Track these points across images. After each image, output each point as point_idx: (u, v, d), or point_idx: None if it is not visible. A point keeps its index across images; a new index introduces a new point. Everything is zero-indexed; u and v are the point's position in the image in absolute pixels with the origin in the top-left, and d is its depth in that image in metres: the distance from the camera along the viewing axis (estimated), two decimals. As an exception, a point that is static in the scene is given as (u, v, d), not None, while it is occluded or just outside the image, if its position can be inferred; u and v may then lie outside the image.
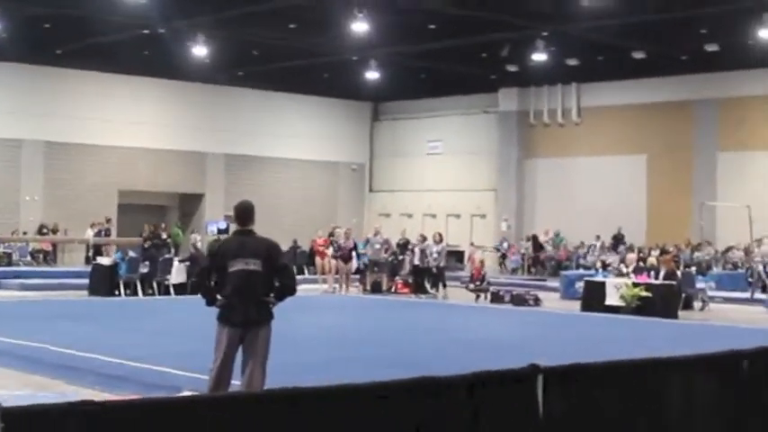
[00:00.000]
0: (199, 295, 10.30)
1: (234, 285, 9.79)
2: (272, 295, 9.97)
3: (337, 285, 31.05)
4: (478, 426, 6.60)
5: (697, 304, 27.97)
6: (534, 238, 43.07)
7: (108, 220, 40.46)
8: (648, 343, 16.79)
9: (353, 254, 31.20)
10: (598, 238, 40.93)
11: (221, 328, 9.88)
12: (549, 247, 42.72)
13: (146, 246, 33.04)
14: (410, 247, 32.97)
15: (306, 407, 5.87)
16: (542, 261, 42.30)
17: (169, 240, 40.74)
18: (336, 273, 31.32)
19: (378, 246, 31.81)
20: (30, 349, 15.37)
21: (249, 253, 9.83)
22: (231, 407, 5.60)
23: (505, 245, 43.99)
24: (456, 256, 41.58)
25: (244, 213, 10.19)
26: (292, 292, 10.23)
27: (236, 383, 9.90)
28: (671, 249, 35.87)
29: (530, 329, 21.34)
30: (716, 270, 35.04)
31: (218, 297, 9.92)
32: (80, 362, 14.23)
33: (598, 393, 7.30)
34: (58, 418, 4.90)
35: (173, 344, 16.30)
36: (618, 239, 40.48)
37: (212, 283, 10.10)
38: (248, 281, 9.79)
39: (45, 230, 40.13)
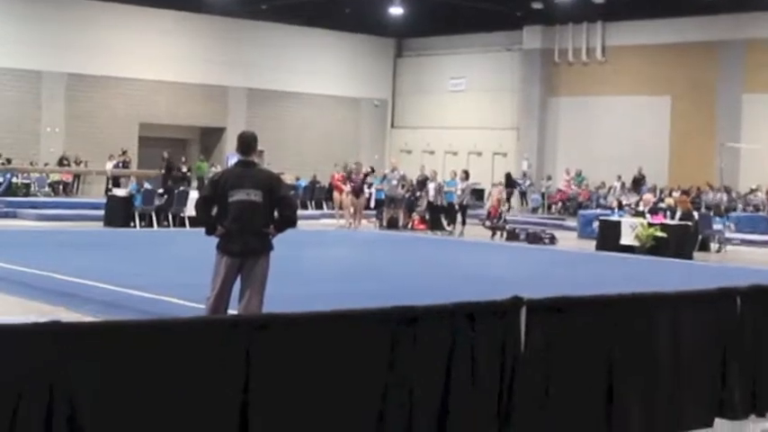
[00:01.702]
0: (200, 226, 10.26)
1: (234, 215, 9.74)
2: (272, 226, 9.91)
3: (353, 220, 31.00)
4: (456, 357, 6.53)
5: (714, 246, 27.81)
6: (508, 176, 42.75)
7: (124, 152, 40.48)
8: (656, 282, 16.63)
9: (365, 188, 31.13)
10: (619, 178, 40.69)
11: (220, 258, 9.86)
12: (573, 187, 42.45)
13: (168, 182, 32.98)
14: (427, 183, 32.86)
15: (278, 333, 5.82)
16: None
17: (189, 173, 40.78)
18: (353, 207, 31.29)
19: (394, 182, 31.71)
20: (36, 277, 15.47)
21: (250, 183, 9.77)
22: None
23: (527, 182, 43.82)
24: (477, 193, 41.42)
25: (246, 144, 10.12)
26: (293, 223, 10.16)
27: (233, 313, 9.85)
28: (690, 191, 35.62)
29: (539, 267, 21.22)
30: (737, 213, 34.77)
31: (219, 227, 9.86)
32: (83, 290, 14.32)
33: (582, 327, 7.21)
34: (24, 336, 4.95)
35: (178, 275, 16.29)
36: (639, 180, 40.20)
37: (213, 212, 10.03)
38: (248, 211, 9.74)
39: (65, 162, 40.22)
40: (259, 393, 5.65)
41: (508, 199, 41.10)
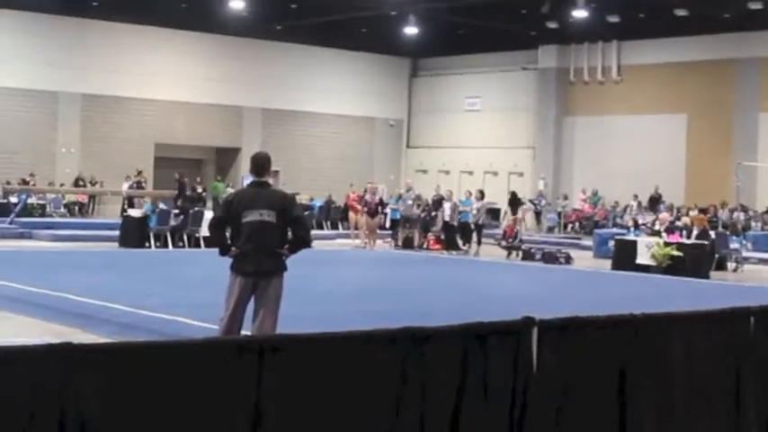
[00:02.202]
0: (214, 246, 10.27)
1: (247, 236, 9.75)
2: (285, 247, 9.91)
3: (368, 241, 31.01)
4: (468, 378, 6.51)
5: (731, 265, 27.70)
6: (513, 195, 42.28)
7: (139, 173, 40.61)
8: (672, 301, 16.54)
9: (380, 209, 31.18)
10: (635, 197, 40.61)
11: (234, 278, 9.87)
12: (589, 207, 42.34)
13: (178, 201, 33.05)
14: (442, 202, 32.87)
15: (288, 354, 5.81)
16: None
17: (204, 194, 40.87)
18: (367, 228, 31.32)
19: (410, 201, 31.75)
20: (52, 298, 15.47)
21: (263, 204, 9.77)
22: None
23: (543, 202, 43.76)
24: (492, 213, 41.39)
25: (259, 165, 10.15)
26: (306, 244, 10.17)
27: (246, 333, 9.83)
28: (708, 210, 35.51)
29: (554, 287, 21.19)
30: (754, 231, 34.65)
31: (233, 248, 9.88)
32: (98, 311, 14.32)
33: (594, 347, 7.17)
34: (36, 358, 4.94)
35: (193, 295, 16.29)
36: (655, 199, 40.11)
37: (227, 233, 10.05)
38: (262, 231, 9.73)
39: (81, 183, 40.35)
40: (270, 415, 5.63)
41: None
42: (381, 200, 31.82)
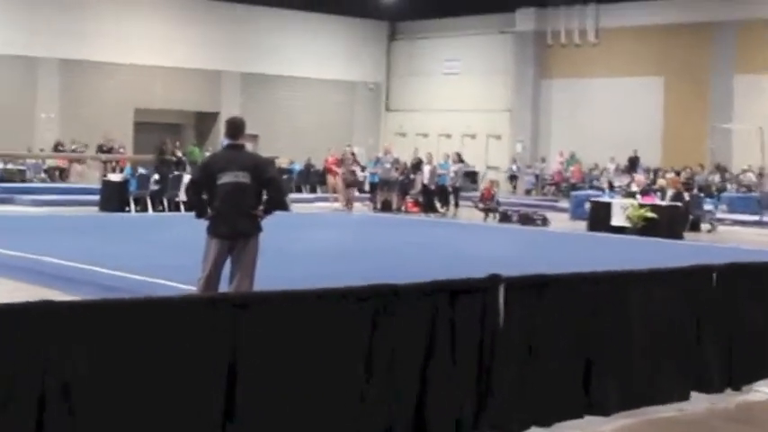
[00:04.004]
0: (190, 209, 10.44)
1: (222, 198, 9.89)
2: (260, 208, 10.06)
3: (346, 203, 31.16)
4: (437, 334, 6.71)
5: (705, 226, 28.00)
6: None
7: (104, 137, 39.84)
8: (644, 261, 16.77)
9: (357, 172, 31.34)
10: (612, 160, 40.84)
11: (210, 240, 10.02)
12: (565, 169, 42.57)
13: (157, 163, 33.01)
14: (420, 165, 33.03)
15: (259, 311, 6.00)
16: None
17: (184, 158, 40.80)
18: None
19: (388, 165, 31.89)
20: (32, 261, 15.56)
21: (238, 166, 9.91)
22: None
23: (515, 167, 43.95)
24: (470, 176, 41.56)
25: (235, 128, 10.30)
26: (281, 204, 10.34)
27: (224, 294, 10.01)
28: (685, 172, 35.76)
29: (528, 248, 21.42)
30: (729, 193, 34.94)
31: (208, 210, 10.04)
32: (79, 273, 14.43)
33: (559, 304, 7.39)
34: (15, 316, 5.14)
35: (172, 258, 16.43)
36: (633, 162, 40.36)
37: (203, 196, 10.22)
38: (237, 193, 9.88)
39: (61, 148, 40.24)
40: (243, 369, 5.82)
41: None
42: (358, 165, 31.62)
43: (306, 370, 6.10)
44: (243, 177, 9.87)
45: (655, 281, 8.10)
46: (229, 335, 5.80)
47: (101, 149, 38.21)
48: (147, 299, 5.89)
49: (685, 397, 8.14)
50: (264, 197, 10.09)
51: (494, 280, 7.07)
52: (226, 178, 9.87)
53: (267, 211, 10.12)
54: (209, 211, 10.02)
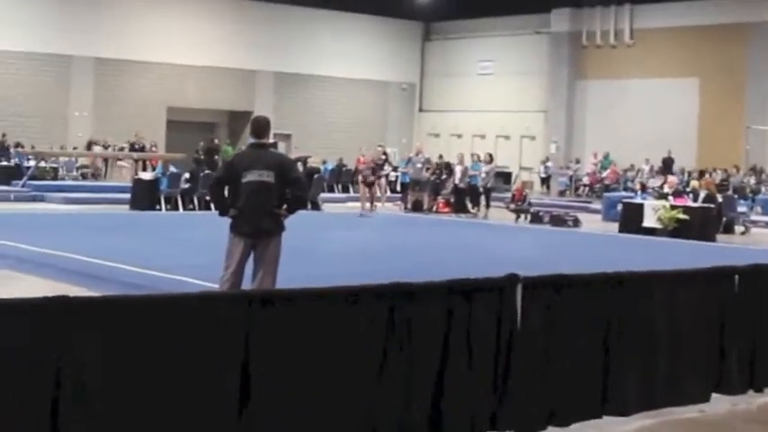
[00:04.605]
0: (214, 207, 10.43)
1: (246, 196, 9.91)
2: (283, 207, 10.06)
3: (378, 204, 31.01)
4: (453, 333, 6.64)
5: (738, 228, 27.74)
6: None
7: (136, 136, 40.02)
8: (674, 263, 16.58)
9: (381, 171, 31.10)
10: (647, 161, 40.59)
11: (233, 238, 10.06)
12: (599, 170, 42.33)
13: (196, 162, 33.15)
14: (452, 166, 32.93)
15: (277, 308, 5.96)
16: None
17: (217, 157, 40.89)
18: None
19: (419, 165, 31.81)
20: (60, 259, 15.59)
21: (262, 165, 9.93)
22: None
23: (544, 167, 43.73)
24: (504, 177, 41.48)
25: (259, 127, 10.33)
26: (303, 204, 10.35)
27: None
28: (717, 173, 35.47)
29: (558, 249, 21.22)
30: (764, 195, 34.59)
31: (232, 208, 10.06)
32: (105, 271, 14.45)
33: (578, 304, 7.30)
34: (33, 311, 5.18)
35: (198, 256, 16.38)
36: (667, 163, 40.08)
37: (226, 194, 10.21)
38: (261, 192, 9.90)
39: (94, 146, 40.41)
40: (260, 366, 5.79)
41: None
42: (376, 164, 31.10)
43: (320, 367, 6.08)
44: (267, 176, 9.90)
45: (677, 282, 7.99)
46: (243, 332, 5.76)
47: (132, 148, 38.36)
48: (163, 295, 5.89)
49: (706, 398, 8.04)
50: (288, 197, 10.08)
51: (511, 279, 7.00)
52: (250, 177, 9.90)
53: (290, 211, 10.15)
54: (231, 209, 10.01)
